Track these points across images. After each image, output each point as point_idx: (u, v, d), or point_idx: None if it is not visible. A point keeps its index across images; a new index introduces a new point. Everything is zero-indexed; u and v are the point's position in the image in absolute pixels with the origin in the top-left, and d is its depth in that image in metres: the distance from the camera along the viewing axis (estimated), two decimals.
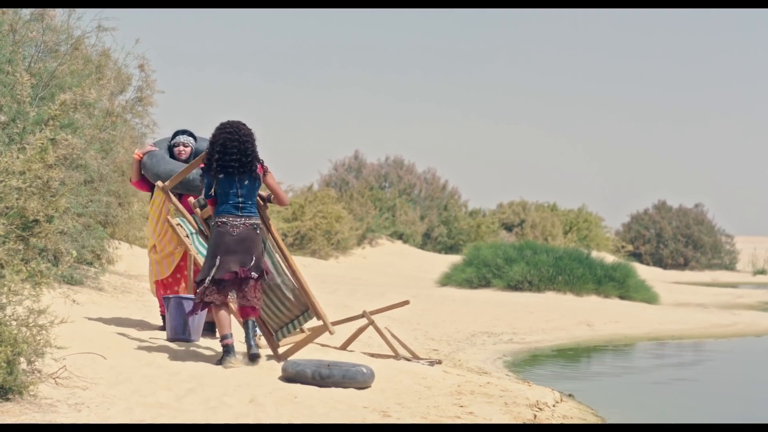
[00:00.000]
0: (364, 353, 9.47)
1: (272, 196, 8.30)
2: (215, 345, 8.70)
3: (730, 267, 54.63)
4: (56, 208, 7.25)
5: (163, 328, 9.30)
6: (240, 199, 7.94)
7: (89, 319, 9.41)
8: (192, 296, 8.67)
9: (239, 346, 8.32)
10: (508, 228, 44.24)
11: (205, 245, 8.42)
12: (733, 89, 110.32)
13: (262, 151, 8.10)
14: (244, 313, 8.00)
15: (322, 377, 7.63)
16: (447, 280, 24.64)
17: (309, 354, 8.76)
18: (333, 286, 19.58)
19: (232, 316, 8.24)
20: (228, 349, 7.84)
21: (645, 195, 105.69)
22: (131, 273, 14.48)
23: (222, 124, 8.02)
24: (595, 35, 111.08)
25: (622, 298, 22.79)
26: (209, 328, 9.16)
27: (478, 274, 23.74)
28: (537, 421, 7.60)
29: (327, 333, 8.41)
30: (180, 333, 8.57)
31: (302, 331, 9.04)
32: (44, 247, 7.44)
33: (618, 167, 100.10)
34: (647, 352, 15.40)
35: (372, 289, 20.09)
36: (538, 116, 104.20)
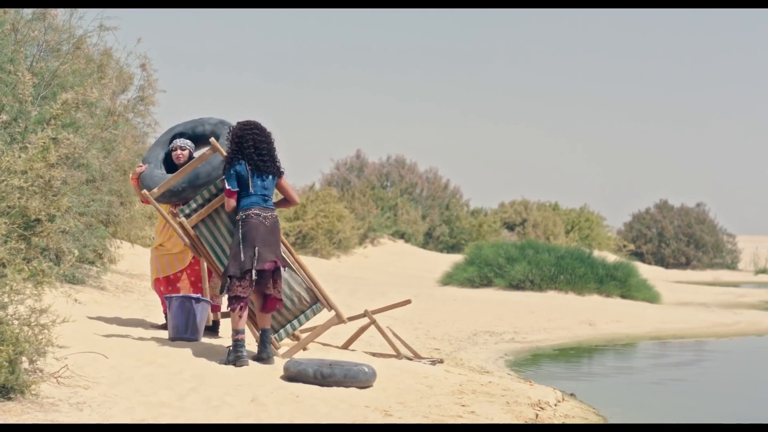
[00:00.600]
0: (366, 352, 9.46)
1: (278, 202, 8.43)
2: (217, 344, 8.70)
3: (732, 266, 54.61)
4: (58, 208, 7.26)
5: (164, 327, 9.29)
6: (266, 191, 8.14)
7: (91, 318, 9.41)
8: (195, 296, 8.66)
9: (250, 345, 8.33)
10: (510, 227, 44.24)
11: (211, 236, 8.48)
12: (733, 89, 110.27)
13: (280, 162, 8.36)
14: (271, 305, 8.11)
15: (324, 376, 7.63)
16: (449, 280, 24.63)
17: (311, 353, 8.77)
18: (335, 285, 19.57)
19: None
20: (240, 344, 7.89)
21: (647, 194, 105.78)
22: (133, 272, 14.47)
23: (246, 123, 8.21)
24: (596, 35, 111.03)
25: (623, 297, 22.77)
26: (208, 328, 9.17)
27: (479, 273, 23.73)
28: (539, 421, 7.60)
29: (326, 334, 8.42)
30: (182, 332, 8.57)
31: (295, 337, 9.10)
32: (46, 246, 7.45)
33: (620, 167, 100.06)
34: (649, 352, 15.40)
35: (374, 289, 20.09)
36: (540, 116, 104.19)
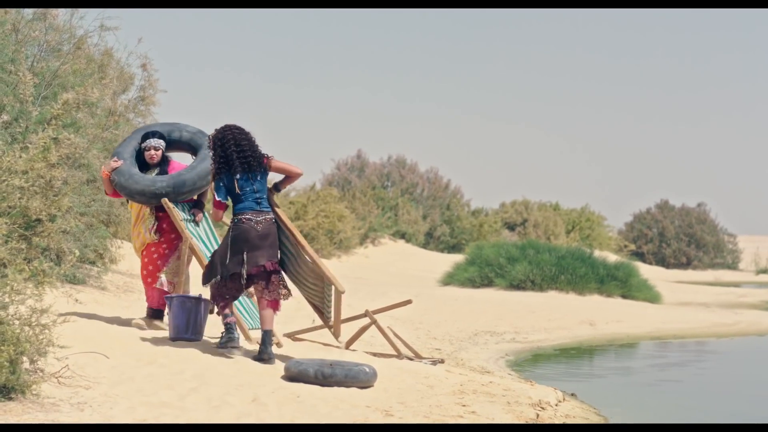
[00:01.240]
0: (367, 352, 9.46)
1: (281, 182, 8.40)
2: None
3: (733, 266, 54.61)
4: (59, 208, 7.26)
5: (151, 315, 9.24)
6: (257, 194, 8.15)
7: (92, 318, 9.41)
8: (196, 296, 8.67)
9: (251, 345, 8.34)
10: (511, 227, 44.24)
11: (196, 234, 8.79)
12: (734, 89, 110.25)
13: (265, 150, 8.31)
14: (271, 306, 8.16)
15: (325, 376, 7.63)
16: (449, 280, 24.63)
17: (312, 353, 8.77)
18: None
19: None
20: (230, 326, 8.08)
21: (648, 194, 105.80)
22: (134, 272, 14.47)
23: (224, 127, 8.23)
24: (596, 35, 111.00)
25: (624, 297, 22.78)
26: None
27: (480, 273, 23.73)
28: (539, 421, 7.60)
29: (329, 334, 8.43)
30: (183, 332, 8.57)
31: (297, 338, 9.17)
32: (47, 246, 7.45)
33: (621, 167, 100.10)
34: (649, 352, 15.40)
35: (374, 289, 20.09)
36: (541, 116, 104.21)
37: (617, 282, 22.83)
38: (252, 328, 8.94)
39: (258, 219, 8.10)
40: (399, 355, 9.53)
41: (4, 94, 10.06)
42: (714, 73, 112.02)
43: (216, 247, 8.77)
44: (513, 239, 37.86)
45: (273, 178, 8.58)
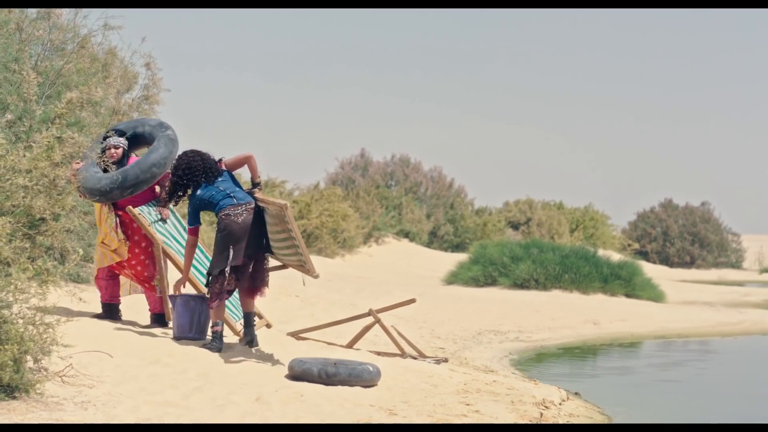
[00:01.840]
0: (371, 351, 9.47)
1: (251, 176, 8.62)
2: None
3: (737, 265, 54.53)
4: (63, 207, 7.26)
5: (100, 316, 9.21)
6: (228, 191, 8.45)
7: (95, 317, 9.41)
8: (199, 295, 8.68)
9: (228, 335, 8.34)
10: (515, 226, 44.20)
11: (166, 233, 9.02)
12: (737, 88, 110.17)
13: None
14: (256, 293, 8.48)
15: (329, 375, 7.63)
16: (453, 279, 24.63)
17: (315, 352, 8.77)
18: (339, 284, 19.58)
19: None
20: (217, 335, 8.31)
21: (651, 193, 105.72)
22: None
23: (183, 154, 8.64)
24: (596, 35, 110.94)
25: (628, 296, 22.76)
26: (157, 320, 9.24)
27: (484, 272, 23.72)
28: (543, 420, 7.59)
29: (333, 333, 8.43)
30: (186, 331, 8.57)
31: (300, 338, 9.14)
32: (51, 245, 7.44)
33: (624, 166, 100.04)
34: (653, 351, 15.38)
35: (378, 288, 20.09)
36: (544, 115, 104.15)
37: (621, 281, 22.81)
38: (239, 321, 9.03)
39: (237, 212, 8.36)
40: (403, 354, 9.53)
41: (8, 93, 10.06)
42: (715, 72, 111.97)
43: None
44: (517, 238, 37.85)
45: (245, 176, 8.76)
